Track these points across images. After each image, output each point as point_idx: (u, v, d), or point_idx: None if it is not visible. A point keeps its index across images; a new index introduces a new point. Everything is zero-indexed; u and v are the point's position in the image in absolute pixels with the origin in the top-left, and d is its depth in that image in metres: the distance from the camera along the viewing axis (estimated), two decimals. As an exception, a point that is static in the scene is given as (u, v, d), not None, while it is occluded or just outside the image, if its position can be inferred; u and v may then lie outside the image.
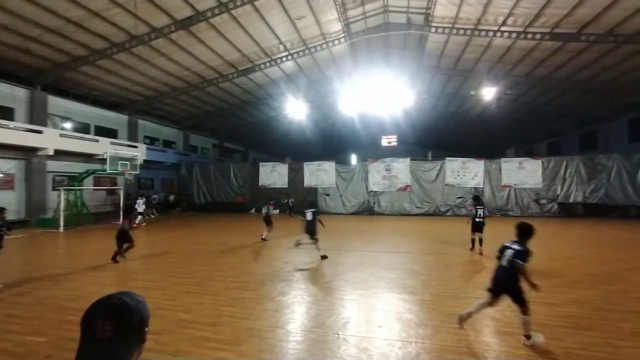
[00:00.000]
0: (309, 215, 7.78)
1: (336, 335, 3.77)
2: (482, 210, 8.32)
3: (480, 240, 8.21)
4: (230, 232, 13.01)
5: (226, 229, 14.03)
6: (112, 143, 17.28)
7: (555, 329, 3.89)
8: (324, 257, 7.67)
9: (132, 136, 20.34)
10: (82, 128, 17.76)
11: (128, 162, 16.01)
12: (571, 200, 17.49)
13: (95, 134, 17.73)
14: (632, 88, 17.47)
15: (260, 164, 23.03)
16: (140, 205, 15.53)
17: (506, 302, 4.76)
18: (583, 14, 12.39)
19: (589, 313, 4.38)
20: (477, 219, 8.27)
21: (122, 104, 19.84)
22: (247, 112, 25.89)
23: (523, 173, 18.24)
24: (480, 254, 8.01)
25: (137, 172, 17.09)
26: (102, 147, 16.35)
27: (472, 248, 8.45)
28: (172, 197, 22.77)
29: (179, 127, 25.23)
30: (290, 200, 19.85)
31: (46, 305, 4.77)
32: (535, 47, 14.98)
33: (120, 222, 8.03)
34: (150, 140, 22.64)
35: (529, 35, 14.02)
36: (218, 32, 14.19)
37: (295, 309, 4.71)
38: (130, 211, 9.32)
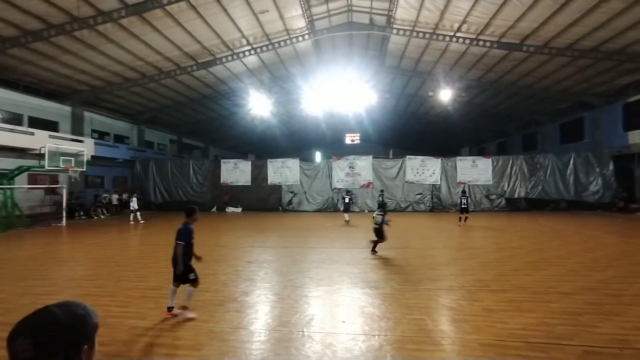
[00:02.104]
0: (379, 219, 7.74)
1: (301, 333, 3.77)
2: (465, 199, 13.25)
3: (466, 218, 12.97)
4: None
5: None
6: (51, 137, 15.51)
7: (501, 312, 4.25)
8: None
9: (77, 129, 18.46)
10: (13, 119, 15.72)
11: (72, 158, 14.58)
12: (516, 195, 19.18)
13: (30, 126, 15.69)
14: (562, 96, 19.71)
15: (222, 160, 22.29)
16: (134, 203, 15.06)
17: (460, 293, 5.11)
18: (524, 27, 13.64)
19: (528, 296, 4.84)
20: (462, 206, 13.16)
21: (63, 93, 17.93)
22: (207, 107, 24.83)
23: (476, 171, 19.63)
24: (464, 221, 12.88)
25: (84, 169, 15.65)
26: (39, 140, 14.57)
27: (460, 221, 13.01)
28: (125, 196, 21.18)
29: (132, 121, 23.44)
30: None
31: (-30, 320, 4.18)
32: (486, 53, 16.17)
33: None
34: (100, 135, 20.78)
35: (480, 43, 15.10)
36: (176, 21, 13.38)
37: (259, 308, 4.63)
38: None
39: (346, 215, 14.54)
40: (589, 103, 19.32)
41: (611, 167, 17.92)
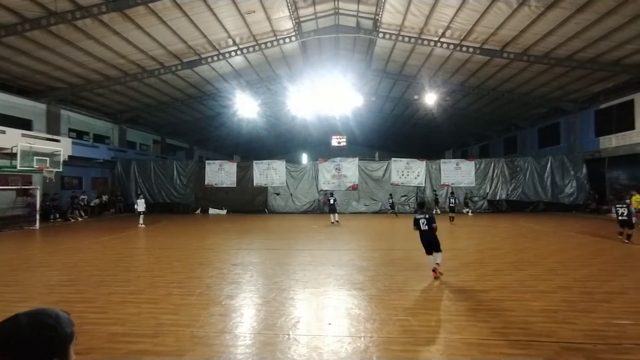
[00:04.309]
0: (423, 223, 5.98)
1: (286, 336, 3.73)
2: (454, 199, 15.21)
3: (453, 217, 14.56)
4: (173, 234, 12.10)
5: (168, 230, 13.02)
6: (24, 135, 14.78)
7: (484, 312, 4.35)
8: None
9: (53, 128, 17.66)
10: (-19, 117, 14.89)
11: (47, 158, 13.97)
12: (497, 197, 19.75)
13: (1, 125, 14.88)
14: (540, 102, 20.53)
15: (207, 162, 21.94)
16: (140, 205, 14.39)
17: (444, 293, 5.20)
18: (504, 35, 14.13)
19: (509, 296, 4.98)
20: (450, 205, 15.07)
21: (38, 90, 17.16)
22: (192, 107, 24.36)
23: (459, 173, 20.10)
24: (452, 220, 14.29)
25: (60, 170, 15.03)
26: (10, 139, 13.84)
27: (450, 220, 14.34)
28: (105, 198, 20.49)
29: (113, 120, 22.68)
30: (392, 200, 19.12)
31: None
32: (469, 59, 16.64)
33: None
34: (78, 134, 19.99)
35: (464, 48, 15.52)
36: (159, 19, 13.07)
37: (244, 311, 4.56)
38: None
39: (333, 217, 14.64)
40: (564, 109, 20.19)
41: (584, 170, 18.75)
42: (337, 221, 14.50)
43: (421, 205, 6.90)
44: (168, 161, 23.36)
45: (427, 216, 6.01)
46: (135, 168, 21.08)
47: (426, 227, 5.92)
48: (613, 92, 17.40)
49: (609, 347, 3.43)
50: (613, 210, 9.54)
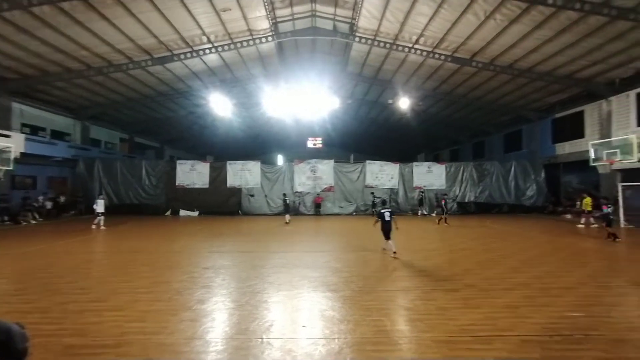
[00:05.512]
0: (387, 216, 7.97)
1: (260, 340, 3.66)
2: (444, 202, 15.33)
3: (441, 219, 14.81)
4: (140, 236, 11.51)
5: (135, 233, 12.37)
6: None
7: (453, 310, 4.52)
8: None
9: (2, 123, 16.08)
10: None
11: (-4, 156, 12.82)
12: (466, 199, 20.64)
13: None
14: (505, 109, 21.81)
15: (178, 162, 21.14)
16: (100, 206, 13.45)
17: (416, 293, 5.34)
18: (473, 45, 14.88)
19: (476, 294, 5.21)
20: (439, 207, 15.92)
21: (-15, 81, 15.67)
22: (163, 105, 23.38)
23: (431, 176, 20.80)
24: (442, 222, 14.70)
25: (10, 168, 13.84)
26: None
27: (439, 222, 14.81)
28: (62, 199, 19.10)
29: (75, 116, 21.18)
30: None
31: None
32: (441, 66, 17.32)
33: None
34: (33, 130, 18.47)
35: (436, 56, 16.14)
36: (128, 11, 12.43)
37: (216, 316, 4.42)
38: None
39: (286, 217, 15.76)
40: (526, 117, 21.56)
41: (543, 174, 20.09)
42: (288, 222, 15.46)
43: (384, 202, 10.63)
44: (136, 160, 22.24)
45: (390, 211, 8.16)
46: (99, 167, 19.84)
47: (389, 219, 7.90)
48: (567, 103, 18.84)
49: (562, 338, 3.69)
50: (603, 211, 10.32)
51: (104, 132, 24.55)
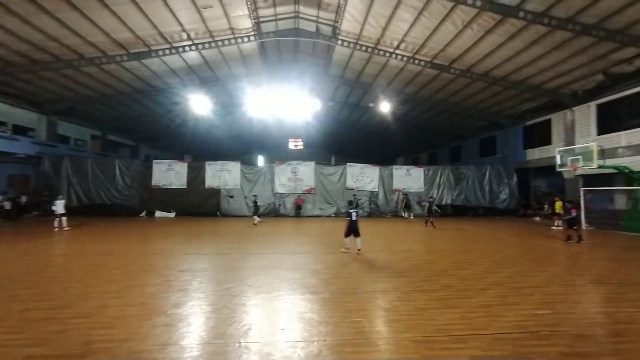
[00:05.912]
0: (354, 216, 8.57)
1: (237, 344, 3.57)
2: (428, 204, 15.86)
3: (432, 222, 14.80)
4: (112, 238, 10.98)
5: (106, 234, 11.78)
6: None
7: (430, 310, 4.60)
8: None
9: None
10: None
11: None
12: (444, 202, 21.23)
13: None
14: (481, 115, 22.69)
15: (154, 161, 20.42)
16: (59, 207, 12.77)
17: (395, 294, 5.41)
18: (451, 52, 15.40)
19: (453, 294, 5.35)
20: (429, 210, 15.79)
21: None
22: (139, 102, 22.55)
23: (410, 179, 21.24)
24: (428, 224, 14.82)
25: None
26: None
27: (425, 224, 14.99)
28: (24, 198, 17.92)
29: (41, 110, 20.00)
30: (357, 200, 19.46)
31: None
32: (421, 72, 17.78)
33: None
34: (-9, 124, 17.30)
35: (416, 61, 16.57)
36: (102, 3, 11.92)
37: (192, 320, 4.27)
38: None
39: (255, 218, 15.94)
40: (500, 123, 22.54)
41: (515, 178, 21.03)
42: (257, 223, 15.48)
43: (350, 203, 11.50)
44: (109, 159, 21.28)
45: (358, 211, 9.24)
46: (67, 165, 18.80)
47: (356, 218, 8.62)
48: (537, 112, 19.87)
49: (530, 334, 3.87)
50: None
51: (74, 128, 23.34)
